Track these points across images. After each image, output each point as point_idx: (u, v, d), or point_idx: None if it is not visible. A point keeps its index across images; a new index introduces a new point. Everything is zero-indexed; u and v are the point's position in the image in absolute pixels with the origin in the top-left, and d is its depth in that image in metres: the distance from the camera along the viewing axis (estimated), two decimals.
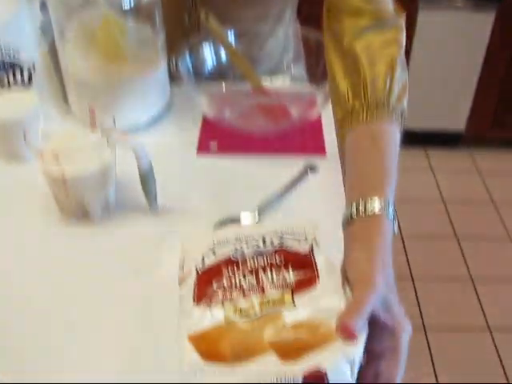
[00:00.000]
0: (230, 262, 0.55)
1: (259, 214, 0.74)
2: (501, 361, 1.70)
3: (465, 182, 2.40)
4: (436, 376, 1.67)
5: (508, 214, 2.21)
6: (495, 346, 1.75)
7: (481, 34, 2.26)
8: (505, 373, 1.67)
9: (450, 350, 1.74)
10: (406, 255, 2.03)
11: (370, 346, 0.46)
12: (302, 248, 0.56)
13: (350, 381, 0.44)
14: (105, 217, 0.75)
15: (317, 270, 0.53)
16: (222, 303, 0.51)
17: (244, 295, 0.51)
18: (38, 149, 0.70)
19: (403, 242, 2.08)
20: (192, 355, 0.47)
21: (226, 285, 0.53)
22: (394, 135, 0.64)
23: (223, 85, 0.96)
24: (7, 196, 0.80)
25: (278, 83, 0.96)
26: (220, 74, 0.94)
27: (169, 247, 0.69)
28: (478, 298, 1.89)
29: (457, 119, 2.49)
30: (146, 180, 0.72)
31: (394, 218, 0.56)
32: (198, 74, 0.92)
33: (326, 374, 0.43)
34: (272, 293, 0.51)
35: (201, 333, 0.49)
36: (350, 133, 0.66)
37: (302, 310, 0.49)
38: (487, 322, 1.81)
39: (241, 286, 0.52)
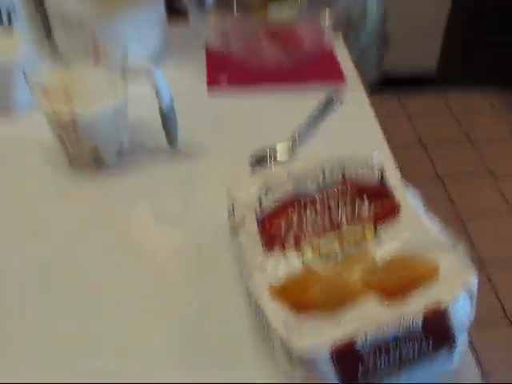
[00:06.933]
0: (294, 200, 0.50)
1: (292, 146, 0.68)
2: None
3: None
4: None
5: (488, 151, 2.19)
6: None
7: None
8: None
9: None
10: None
11: None
12: (370, 176, 0.51)
13: (470, 316, 0.40)
14: (119, 163, 0.67)
15: (395, 199, 0.48)
16: (297, 247, 0.45)
17: (319, 235, 0.46)
18: (42, 87, 0.61)
19: None
20: (280, 313, 0.40)
21: (296, 226, 0.47)
22: None
23: (227, 16, 0.88)
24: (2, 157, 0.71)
25: (285, 12, 0.89)
26: (223, 5, 0.86)
27: (195, 189, 0.64)
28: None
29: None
30: (168, 116, 0.65)
31: None
32: (201, 5, 0.84)
33: (447, 310, 0.38)
34: (351, 229, 0.46)
35: (281, 286, 0.43)
36: None
37: (390, 244, 0.45)
38: None
39: (313, 225, 0.47)
